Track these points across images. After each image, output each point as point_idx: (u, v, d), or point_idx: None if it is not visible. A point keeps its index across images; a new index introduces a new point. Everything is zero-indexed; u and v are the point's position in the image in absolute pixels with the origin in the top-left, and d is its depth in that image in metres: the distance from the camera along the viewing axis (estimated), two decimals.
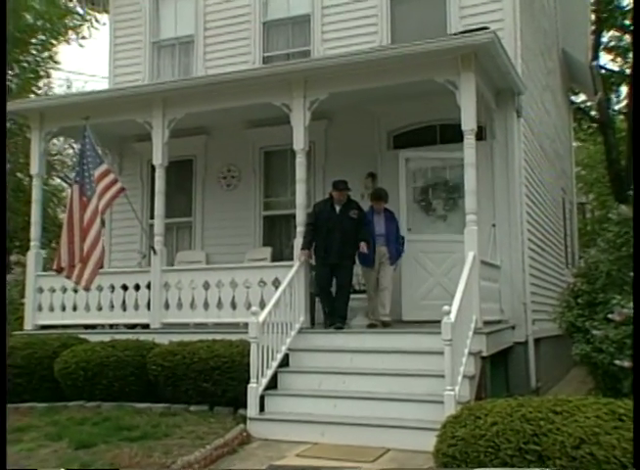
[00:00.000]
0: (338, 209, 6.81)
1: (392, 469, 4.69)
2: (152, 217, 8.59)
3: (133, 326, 7.88)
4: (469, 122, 6.36)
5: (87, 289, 7.28)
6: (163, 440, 5.20)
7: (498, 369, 6.76)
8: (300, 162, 7.08)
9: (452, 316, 5.12)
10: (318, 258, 6.76)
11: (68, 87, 19.98)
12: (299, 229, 6.96)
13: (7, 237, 6.30)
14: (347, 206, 6.82)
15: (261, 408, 5.80)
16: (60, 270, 7.15)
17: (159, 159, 7.76)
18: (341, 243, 6.67)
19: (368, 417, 5.44)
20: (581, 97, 16.95)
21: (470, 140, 6.38)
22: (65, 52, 37.53)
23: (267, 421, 5.67)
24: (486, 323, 6.39)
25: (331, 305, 6.75)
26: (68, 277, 7.17)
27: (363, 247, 6.66)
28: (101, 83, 30.27)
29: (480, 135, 7.22)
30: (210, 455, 4.90)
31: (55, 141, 15.69)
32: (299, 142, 7.05)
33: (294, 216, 7.24)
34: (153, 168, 8.04)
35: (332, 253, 6.65)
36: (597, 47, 17.00)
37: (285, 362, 6.27)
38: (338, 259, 6.65)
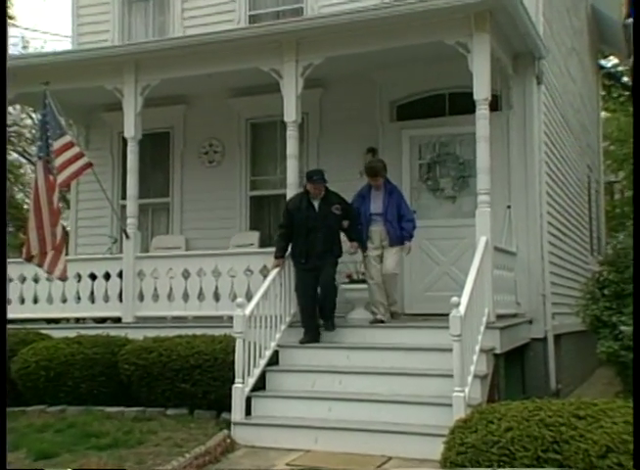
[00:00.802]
0: (317, 204, 6.53)
1: None
2: (123, 198, 8.59)
3: (103, 320, 7.87)
4: (482, 91, 6.32)
5: (63, 279, 7.27)
6: (137, 448, 5.20)
7: (513, 368, 6.78)
8: (292, 135, 7.05)
9: (462, 309, 5.12)
10: (297, 264, 6.50)
11: (25, 47, 19.71)
12: None
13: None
14: (328, 199, 6.54)
15: (248, 412, 5.81)
16: (30, 259, 7.11)
17: (131, 131, 7.70)
18: (323, 244, 6.42)
19: (367, 421, 5.45)
20: (612, 61, 16.81)
21: (483, 111, 6.34)
22: (20, 5, 36.91)
23: (254, 426, 5.68)
24: (500, 317, 6.39)
25: (313, 320, 6.41)
26: (40, 265, 7.13)
27: (354, 247, 6.61)
28: (63, 43, 29.85)
29: (495, 105, 7.18)
30: (190, 465, 4.90)
31: (10, 109, 15.53)
32: (291, 113, 7.01)
33: (284, 197, 7.20)
34: (124, 142, 7.99)
35: (313, 256, 6.41)
36: (633, 2, 16.82)
37: (274, 360, 6.28)
38: (320, 261, 6.41)
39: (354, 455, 5.19)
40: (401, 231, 6.72)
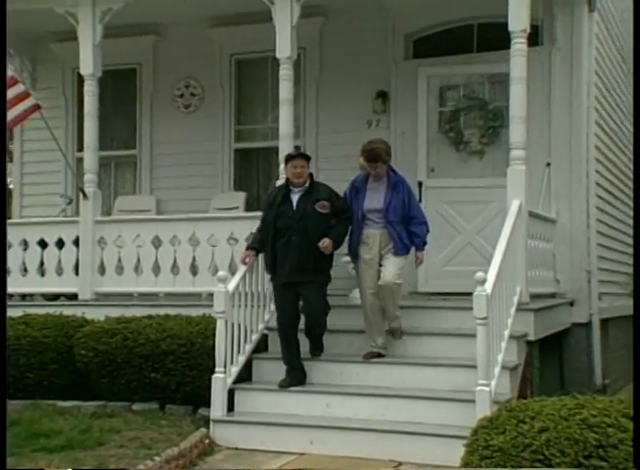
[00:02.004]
0: (295, 199, 5.92)
1: None
2: (80, 149, 8.53)
3: (55, 297, 7.87)
4: (519, 21, 6.20)
5: None
6: (96, 449, 5.21)
7: (550, 359, 6.79)
8: (286, 75, 6.98)
9: (488, 286, 5.10)
10: (271, 274, 6.08)
11: None
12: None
13: None
14: (311, 193, 5.92)
15: (230, 407, 5.83)
16: None
17: (88, 67, 7.60)
18: (300, 253, 5.79)
19: (373, 420, 5.47)
20: None
21: (520, 45, 6.23)
22: None
23: (238, 424, 5.71)
24: (535, 297, 6.40)
25: (295, 355, 5.92)
26: None
27: (325, 245, 5.83)
28: None
29: (535, 39, 7.08)
30: None
31: None
32: (285, 48, 6.92)
33: (276, 151, 7.14)
34: (80, 81, 7.91)
35: (285, 269, 5.83)
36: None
37: (263, 346, 6.30)
38: (300, 276, 5.81)
39: (357, 460, 5.20)
40: (409, 237, 5.97)
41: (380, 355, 5.96)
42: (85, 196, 7.58)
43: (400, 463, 5.17)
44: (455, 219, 7.78)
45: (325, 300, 5.98)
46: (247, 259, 6.09)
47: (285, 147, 6.89)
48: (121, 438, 5.44)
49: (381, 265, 5.95)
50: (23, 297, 8.24)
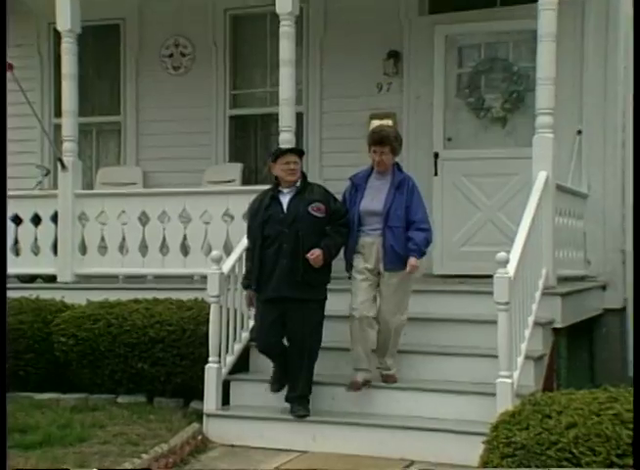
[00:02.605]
0: (286, 201, 5.59)
1: None
2: (58, 115, 8.52)
3: (31, 279, 7.90)
4: None
5: None
6: (77, 446, 5.21)
7: (579, 348, 6.79)
8: (287, 33, 6.93)
9: (511, 268, 5.09)
10: (256, 287, 5.64)
11: None
12: (285, 136, 6.87)
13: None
14: (304, 194, 5.59)
15: (225, 400, 5.85)
16: None
17: (66, 22, 7.56)
18: (292, 263, 5.44)
19: (382, 415, 5.50)
20: None
21: None
22: None
23: (233, 419, 5.72)
24: (563, 280, 6.41)
25: (284, 367, 5.65)
26: None
27: (314, 256, 5.42)
28: None
29: None
30: (149, 469, 4.89)
31: None
32: (286, 1, 6.87)
33: (276, 118, 7.13)
34: (58, 37, 7.84)
35: (274, 280, 5.45)
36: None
37: None
38: (287, 291, 5.45)
39: (364, 458, 5.21)
40: (414, 245, 5.48)
41: (367, 383, 5.55)
42: (64, 167, 7.57)
43: (412, 462, 5.19)
44: (474, 194, 7.77)
45: (318, 330, 5.52)
46: (249, 304, 5.81)
47: (286, 113, 6.86)
48: (105, 433, 5.45)
49: (377, 281, 5.57)
50: None
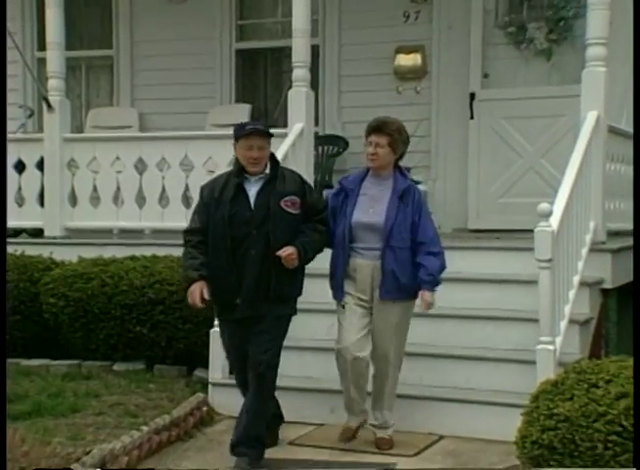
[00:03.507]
0: (253, 192, 4.93)
1: None
2: (42, 48, 8.49)
3: (16, 233, 7.95)
4: None
5: None
6: (70, 417, 5.31)
7: (630, 311, 6.77)
8: None
9: (554, 221, 5.12)
10: (219, 307, 5.14)
11: None
12: (299, 73, 6.88)
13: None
14: (274, 184, 4.94)
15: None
16: None
17: None
18: (261, 272, 4.85)
19: (408, 384, 5.48)
20: None
21: None
22: None
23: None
24: (614, 235, 6.39)
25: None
26: None
27: (286, 254, 4.82)
28: None
29: None
30: (148, 442, 4.98)
31: None
32: None
33: (288, 53, 7.11)
34: None
35: (239, 296, 4.88)
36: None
37: None
38: (258, 308, 4.89)
39: None
40: (414, 271, 4.95)
41: (350, 437, 5.19)
42: (50, 107, 7.58)
43: (441, 437, 5.28)
44: (514, 139, 7.77)
45: (280, 345, 5.03)
46: (195, 299, 4.89)
47: (299, 47, 6.82)
48: (100, 404, 5.54)
49: (371, 311, 5.08)
50: None
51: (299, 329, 5.46)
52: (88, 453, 4.58)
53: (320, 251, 5.07)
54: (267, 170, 4.95)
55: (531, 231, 5.10)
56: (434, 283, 4.96)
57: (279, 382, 5.16)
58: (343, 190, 5.13)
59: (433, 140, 8.15)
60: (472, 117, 7.92)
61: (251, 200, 4.91)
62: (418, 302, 5.03)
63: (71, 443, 4.78)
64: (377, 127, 5.04)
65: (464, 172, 7.89)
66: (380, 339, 5.06)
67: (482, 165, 7.85)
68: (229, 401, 5.68)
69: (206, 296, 4.86)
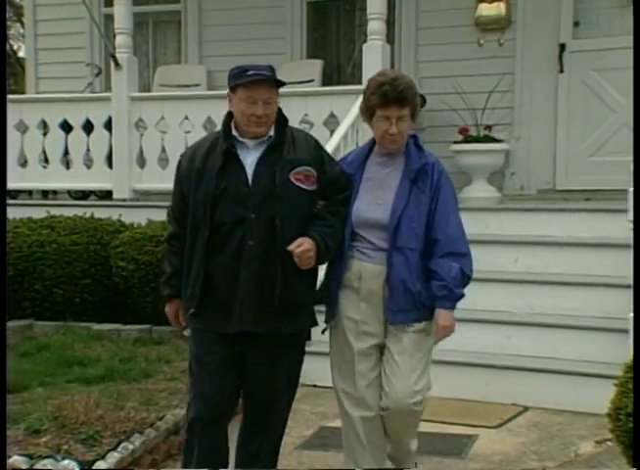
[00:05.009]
0: (252, 159, 3.74)
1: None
2: (109, 3, 8.54)
3: (84, 195, 8.11)
4: None
5: None
6: (141, 382, 5.40)
7: None
8: None
9: None
10: (192, 320, 3.86)
11: None
12: (374, 25, 6.80)
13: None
14: (279, 150, 3.75)
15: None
16: None
17: None
18: (263, 273, 3.67)
19: (491, 353, 5.53)
20: None
21: None
22: None
23: (317, 356, 5.54)
24: None
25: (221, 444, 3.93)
26: None
27: (302, 249, 3.63)
28: None
29: None
30: None
31: None
32: None
33: (362, 5, 7.13)
34: None
35: (232, 306, 3.69)
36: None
37: None
38: (256, 325, 3.69)
39: (470, 403, 5.31)
40: (428, 280, 3.81)
41: None
42: (118, 64, 7.64)
43: (526, 408, 5.25)
44: (607, 93, 7.65)
45: (296, 379, 4.04)
46: (176, 323, 3.98)
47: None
48: (172, 369, 5.62)
49: (384, 347, 3.86)
50: (45, 194, 8.49)
51: None
52: (161, 419, 4.67)
53: (342, 244, 3.85)
54: (271, 132, 3.77)
55: (625, 191, 5.01)
56: (452, 299, 3.78)
57: None
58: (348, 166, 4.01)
59: (516, 95, 7.98)
60: (561, 71, 7.76)
61: (249, 171, 3.72)
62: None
63: (144, 407, 4.86)
64: (400, 97, 3.75)
65: (551, 130, 7.75)
66: (396, 374, 3.78)
67: (572, 122, 7.72)
68: (303, 369, 5.67)
69: (182, 321, 3.89)
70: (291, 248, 3.63)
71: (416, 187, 3.83)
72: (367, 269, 3.84)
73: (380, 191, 3.88)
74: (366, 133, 5.68)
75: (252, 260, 3.67)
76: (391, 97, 3.75)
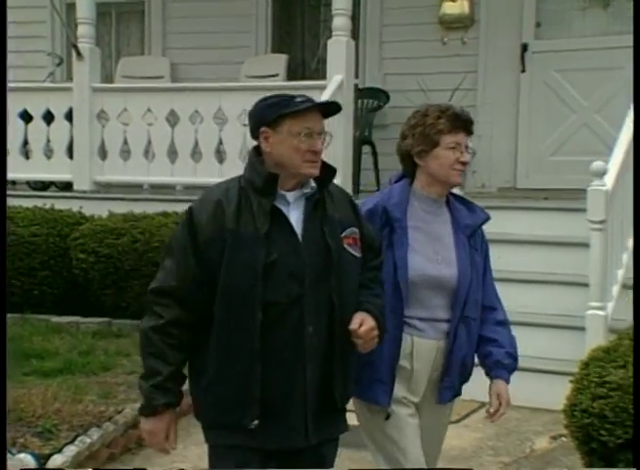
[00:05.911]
0: (297, 217, 2.93)
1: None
2: None
3: (44, 186, 8.07)
4: None
5: None
6: (100, 375, 5.43)
7: None
8: None
9: (608, 180, 5.11)
10: (240, 430, 2.87)
11: None
12: (339, 21, 6.83)
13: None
14: (322, 203, 2.97)
15: None
16: None
17: None
18: (324, 364, 2.92)
19: None
20: None
21: None
22: None
23: None
24: None
25: None
26: None
27: (365, 329, 2.89)
28: None
29: None
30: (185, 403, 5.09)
31: None
32: None
33: (327, 1, 7.19)
34: None
35: (290, 413, 2.89)
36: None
37: None
38: (316, 435, 2.92)
39: None
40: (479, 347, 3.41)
41: None
42: (79, 54, 7.61)
43: (483, 404, 5.26)
44: (568, 93, 7.70)
45: None
46: (166, 445, 2.94)
47: None
48: (132, 363, 5.63)
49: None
50: None
51: None
52: (120, 412, 4.71)
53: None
54: (312, 182, 2.96)
55: (584, 191, 5.09)
56: (512, 368, 3.45)
57: None
58: (389, 219, 3.21)
59: (479, 94, 8.05)
60: (523, 71, 7.83)
61: (296, 227, 2.91)
62: None
63: (103, 401, 4.90)
64: (469, 121, 3.26)
65: (513, 129, 7.83)
66: (430, 445, 3.38)
67: (533, 122, 7.80)
68: None
69: (173, 444, 2.95)
70: (353, 327, 2.88)
71: (469, 245, 3.29)
72: (420, 345, 3.21)
73: (436, 245, 3.25)
74: None
75: (315, 352, 2.90)
76: (462, 119, 3.23)
